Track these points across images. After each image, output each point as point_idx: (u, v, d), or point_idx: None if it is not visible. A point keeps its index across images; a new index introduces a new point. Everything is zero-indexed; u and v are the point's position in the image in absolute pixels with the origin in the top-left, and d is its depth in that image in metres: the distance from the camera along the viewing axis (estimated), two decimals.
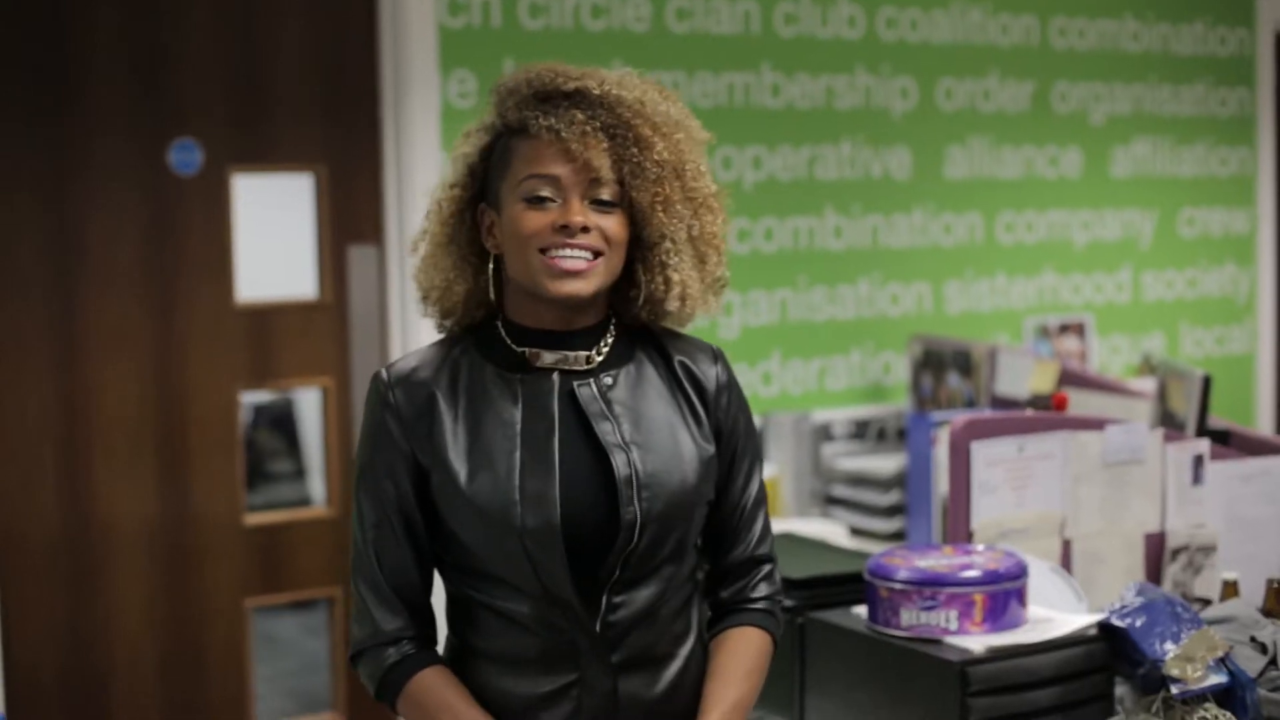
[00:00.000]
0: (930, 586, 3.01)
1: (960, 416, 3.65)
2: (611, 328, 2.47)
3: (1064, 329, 6.46)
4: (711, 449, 2.45)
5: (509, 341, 2.43)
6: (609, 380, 2.41)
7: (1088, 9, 6.50)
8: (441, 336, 2.53)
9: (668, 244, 2.39)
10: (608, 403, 2.40)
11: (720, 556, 2.56)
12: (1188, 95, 6.83)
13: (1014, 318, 6.34)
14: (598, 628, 2.36)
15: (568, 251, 2.32)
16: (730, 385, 2.52)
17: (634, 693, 2.40)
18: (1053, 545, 3.63)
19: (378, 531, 2.42)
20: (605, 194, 2.35)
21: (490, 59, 5.14)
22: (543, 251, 2.33)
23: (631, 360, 2.46)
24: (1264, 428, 7.02)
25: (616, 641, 2.38)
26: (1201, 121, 6.88)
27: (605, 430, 2.37)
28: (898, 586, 3.04)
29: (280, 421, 7.86)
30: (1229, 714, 2.99)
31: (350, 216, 5.03)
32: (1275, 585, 3.51)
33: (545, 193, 2.33)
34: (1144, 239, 6.74)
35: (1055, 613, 3.20)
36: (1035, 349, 6.24)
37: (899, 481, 5.21)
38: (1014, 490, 3.57)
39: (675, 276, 2.41)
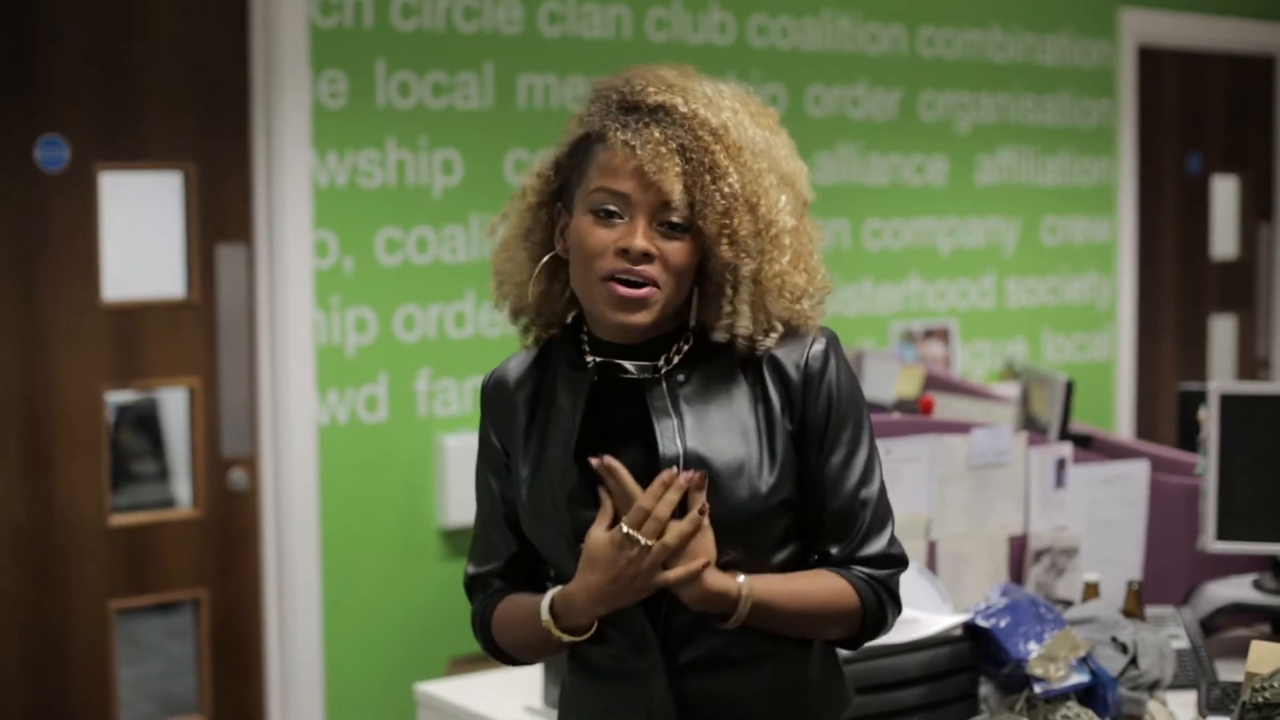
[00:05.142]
0: None
1: None
2: (689, 333, 2.36)
3: (929, 334, 6.54)
4: (790, 453, 2.32)
5: (585, 346, 2.38)
6: (681, 377, 2.33)
7: (955, 19, 6.58)
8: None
9: (727, 276, 2.29)
10: (674, 401, 2.32)
11: (825, 557, 2.38)
12: (1051, 106, 6.93)
13: (880, 323, 6.40)
14: (659, 631, 2.30)
15: (627, 277, 2.25)
16: (821, 374, 2.33)
17: (713, 695, 2.32)
18: (918, 546, 3.68)
19: (481, 524, 2.49)
20: (675, 217, 2.26)
21: (361, 59, 5.12)
22: (603, 278, 2.26)
23: (713, 358, 2.34)
24: (1124, 432, 7.14)
25: (681, 643, 2.30)
26: (1065, 132, 6.99)
27: (665, 430, 2.29)
28: None
29: (144, 422, 7.77)
30: (1091, 712, 3.05)
31: (219, 215, 4.99)
32: (1134, 587, 3.58)
33: (612, 207, 2.26)
34: (1007, 246, 6.83)
35: (921, 613, 3.24)
36: (900, 354, 6.30)
37: None
38: None
39: (727, 308, 2.30)
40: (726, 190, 2.26)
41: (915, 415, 4.57)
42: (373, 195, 5.15)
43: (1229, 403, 3.82)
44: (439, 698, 3.87)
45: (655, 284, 2.26)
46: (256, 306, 5.02)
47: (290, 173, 4.97)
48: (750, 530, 2.30)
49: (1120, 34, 7.14)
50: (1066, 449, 3.98)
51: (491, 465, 2.46)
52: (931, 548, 3.72)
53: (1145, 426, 7.40)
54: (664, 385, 2.32)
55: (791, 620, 2.30)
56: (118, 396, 5.97)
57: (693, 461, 2.26)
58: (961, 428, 3.84)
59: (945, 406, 4.86)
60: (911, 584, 3.42)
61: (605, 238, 2.26)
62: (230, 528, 5.05)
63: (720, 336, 2.31)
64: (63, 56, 4.74)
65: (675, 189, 2.25)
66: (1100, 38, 7.08)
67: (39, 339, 4.73)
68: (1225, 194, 7.92)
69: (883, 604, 2.36)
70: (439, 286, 5.28)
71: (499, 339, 5.36)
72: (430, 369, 5.27)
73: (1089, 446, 4.29)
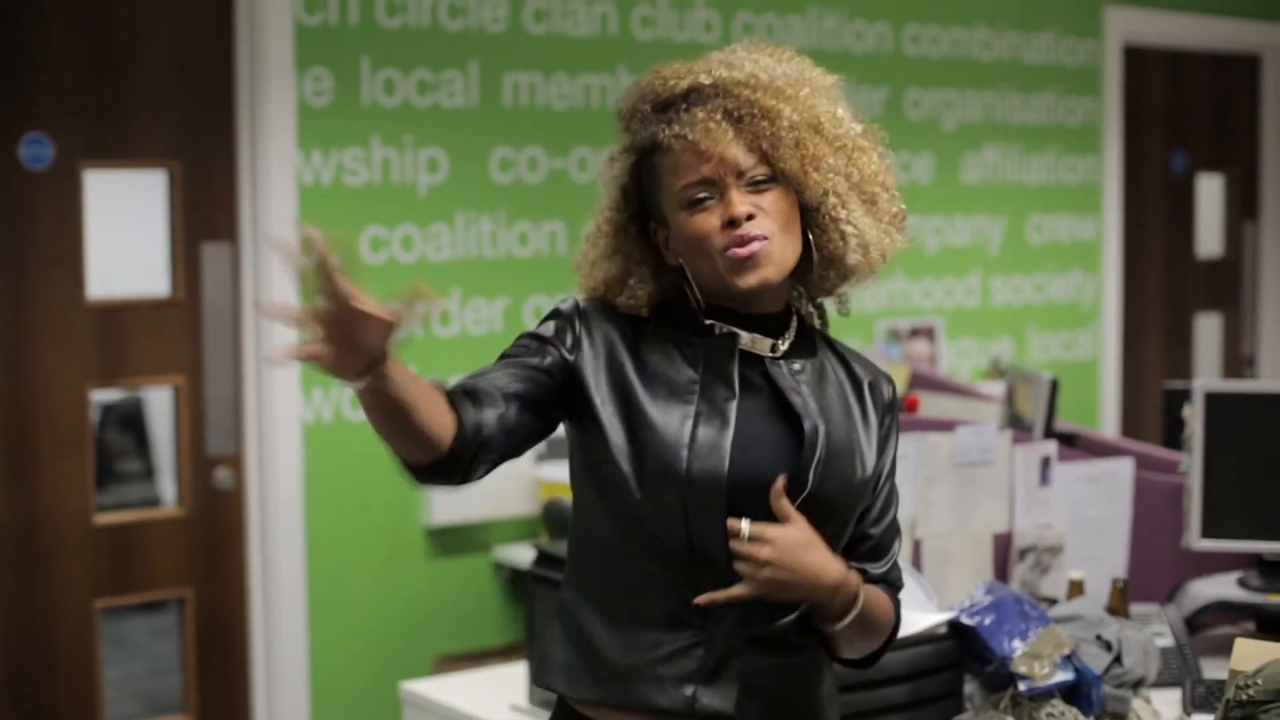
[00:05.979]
0: None
1: None
2: (794, 320, 2.46)
3: (914, 332, 6.54)
4: (875, 458, 2.44)
5: (699, 314, 2.41)
6: (797, 365, 2.41)
7: (940, 16, 6.58)
8: None
9: (831, 198, 2.39)
10: (796, 383, 2.39)
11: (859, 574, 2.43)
12: (1037, 104, 6.94)
13: (865, 321, 6.40)
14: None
15: (741, 244, 2.30)
16: (894, 407, 2.51)
17: (758, 672, 2.34)
18: (904, 545, 3.67)
19: (497, 363, 2.44)
20: (758, 174, 2.34)
21: (346, 57, 5.11)
22: (722, 250, 2.31)
23: (815, 356, 2.46)
24: (1109, 430, 7.14)
25: (754, 609, 2.31)
26: (1050, 130, 6.99)
27: (797, 401, 2.36)
28: None
29: (129, 421, 7.75)
30: (1075, 710, 3.05)
31: (204, 214, 4.99)
32: (1119, 584, 3.58)
33: (701, 194, 2.33)
34: (993, 245, 6.84)
35: (906, 611, 3.24)
36: (886, 352, 6.30)
37: None
38: None
39: (849, 228, 2.41)
40: (786, 124, 2.36)
41: (900, 413, 4.56)
42: (357, 193, 5.14)
43: (1214, 401, 3.82)
44: (425, 696, 3.86)
45: (765, 235, 2.32)
46: (241, 305, 5.01)
47: (275, 171, 4.96)
48: (845, 514, 2.39)
49: (1105, 32, 7.14)
50: (1051, 447, 3.98)
51: (543, 354, 2.39)
52: (916, 546, 3.72)
53: (1130, 424, 7.41)
54: (784, 368, 2.41)
55: (868, 625, 2.40)
56: (102, 395, 5.95)
57: (826, 437, 2.35)
58: (946, 426, 3.84)
59: (930, 405, 4.85)
60: None
61: (707, 221, 2.33)
62: (215, 526, 5.04)
63: (853, 258, 2.43)
64: (47, 54, 4.73)
65: (739, 152, 2.33)
66: (1086, 36, 7.08)
67: (23, 337, 4.72)
68: (1210, 192, 7.93)
69: (899, 627, 2.51)
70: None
71: (484, 337, 5.35)
72: (415, 367, 5.24)
73: (1074, 444, 4.29)
